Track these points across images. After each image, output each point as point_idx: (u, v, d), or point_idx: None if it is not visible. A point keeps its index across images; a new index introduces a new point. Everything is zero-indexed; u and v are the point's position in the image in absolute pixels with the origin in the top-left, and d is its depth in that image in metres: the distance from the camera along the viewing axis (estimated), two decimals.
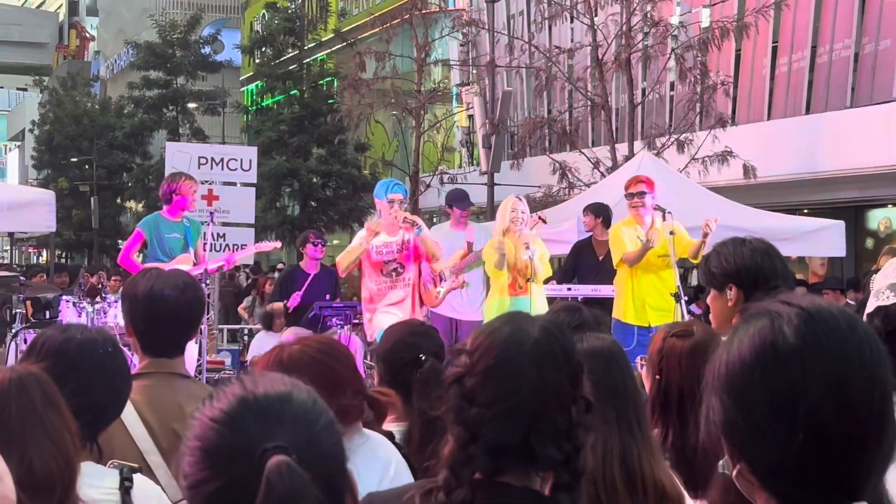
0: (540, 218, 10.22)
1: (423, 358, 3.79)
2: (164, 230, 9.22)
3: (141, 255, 9.65)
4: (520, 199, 9.45)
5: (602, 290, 10.72)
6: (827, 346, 1.50)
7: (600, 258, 11.18)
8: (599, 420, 2.83)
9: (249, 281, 23.89)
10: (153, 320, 3.62)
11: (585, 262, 11.45)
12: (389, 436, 3.41)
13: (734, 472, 1.56)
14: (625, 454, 2.81)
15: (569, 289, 11.26)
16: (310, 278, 11.20)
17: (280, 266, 27.21)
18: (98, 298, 11.36)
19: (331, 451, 1.55)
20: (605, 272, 10.85)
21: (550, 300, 12.28)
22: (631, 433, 2.84)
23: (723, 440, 1.56)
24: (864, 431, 1.49)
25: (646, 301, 9.18)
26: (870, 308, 2.66)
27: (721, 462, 1.60)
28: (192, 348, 7.51)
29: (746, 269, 3.76)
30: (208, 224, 10.08)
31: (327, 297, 11.06)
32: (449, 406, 2.09)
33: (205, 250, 9.76)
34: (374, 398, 3.16)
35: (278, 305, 11.40)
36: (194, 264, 9.12)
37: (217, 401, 1.55)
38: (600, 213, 11.34)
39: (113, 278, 21.35)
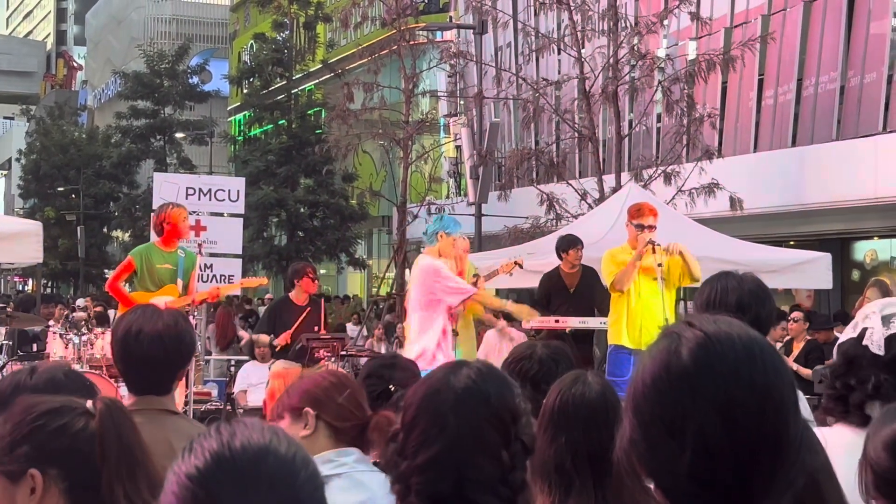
0: (516, 263, 10.18)
1: (393, 389, 3.82)
2: (156, 260, 9.20)
3: (128, 283, 9.62)
4: (463, 238, 9.37)
5: (590, 323, 10.68)
6: (718, 370, 1.53)
7: (571, 290, 11.15)
8: (578, 486, 2.79)
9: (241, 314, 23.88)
10: (130, 360, 3.63)
11: (556, 294, 11.35)
12: None
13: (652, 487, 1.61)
14: None
15: (556, 321, 11.22)
16: (299, 311, 11.15)
17: (269, 297, 27.15)
18: (85, 329, 11.29)
19: None
20: (576, 304, 10.85)
21: (538, 332, 12.26)
22: (605, 500, 2.77)
23: (631, 457, 1.60)
24: (754, 453, 1.52)
25: (641, 325, 9.02)
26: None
27: None
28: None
29: (703, 307, 3.86)
30: (197, 255, 10.06)
31: (315, 328, 11.02)
32: (385, 463, 2.15)
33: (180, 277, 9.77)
34: None
35: (264, 337, 11.34)
36: (180, 295, 9.09)
37: (194, 455, 1.49)
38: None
39: (96, 307, 21.27)
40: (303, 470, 1.50)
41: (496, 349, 12.05)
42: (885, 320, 2.68)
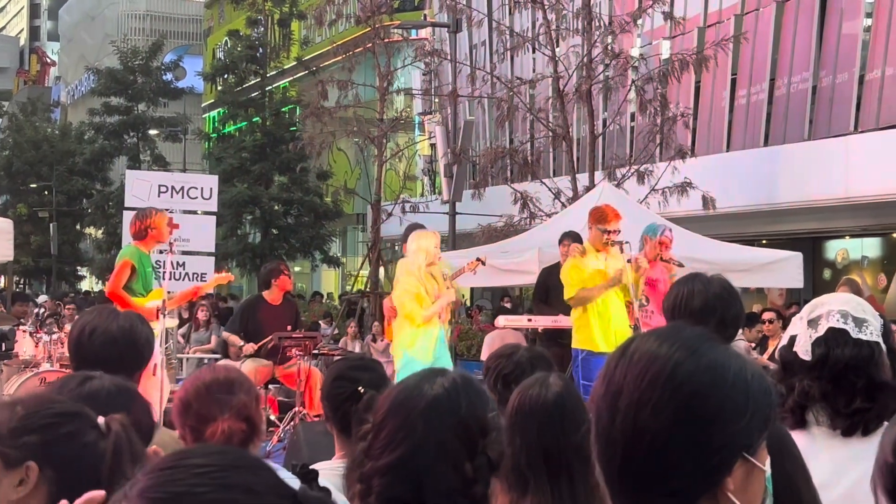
0: (479, 260, 10.17)
1: (363, 391, 3.74)
2: (145, 263, 9.09)
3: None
4: (435, 234, 9.30)
5: (562, 321, 10.67)
6: (614, 379, 1.59)
7: None
8: (533, 485, 2.82)
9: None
10: (83, 360, 3.62)
11: (554, 287, 11.24)
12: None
13: None
14: None
15: (528, 319, 11.21)
16: (273, 310, 11.12)
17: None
18: (55, 328, 11.22)
19: None
20: None
21: (513, 330, 12.24)
22: (560, 496, 2.81)
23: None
24: (625, 448, 1.57)
25: (616, 328, 8.95)
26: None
27: None
28: (155, 382, 7.43)
29: (670, 310, 3.98)
30: (168, 253, 9.96)
31: (288, 327, 11.00)
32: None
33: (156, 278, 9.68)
34: None
35: (235, 338, 11.28)
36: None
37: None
38: (578, 240, 11.16)
39: (68, 307, 21.14)
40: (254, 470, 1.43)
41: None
42: (811, 324, 2.75)
